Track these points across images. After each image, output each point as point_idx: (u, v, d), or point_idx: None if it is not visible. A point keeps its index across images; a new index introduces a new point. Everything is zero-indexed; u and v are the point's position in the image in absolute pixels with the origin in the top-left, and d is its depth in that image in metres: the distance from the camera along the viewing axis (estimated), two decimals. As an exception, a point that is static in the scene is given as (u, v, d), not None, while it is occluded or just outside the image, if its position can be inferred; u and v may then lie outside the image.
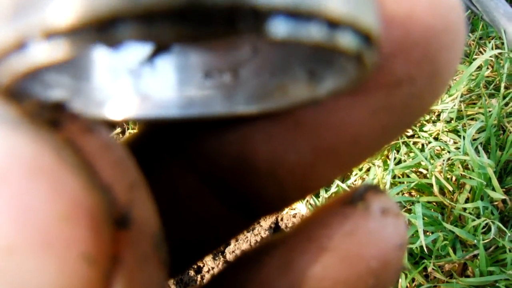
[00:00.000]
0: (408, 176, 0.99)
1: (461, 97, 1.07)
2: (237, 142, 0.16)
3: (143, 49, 0.14)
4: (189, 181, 0.17)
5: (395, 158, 1.01)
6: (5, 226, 0.09)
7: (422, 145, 1.04)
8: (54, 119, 0.09)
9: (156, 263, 0.11)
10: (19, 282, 0.09)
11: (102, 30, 0.08)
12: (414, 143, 1.04)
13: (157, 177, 0.16)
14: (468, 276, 0.89)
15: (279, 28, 0.08)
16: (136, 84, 0.15)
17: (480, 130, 1.02)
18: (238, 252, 0.89)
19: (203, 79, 0.15)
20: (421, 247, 0.85)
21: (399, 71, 0.14)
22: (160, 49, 0.15)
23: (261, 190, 0.17)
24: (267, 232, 0.92)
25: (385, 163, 1.00)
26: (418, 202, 0.91)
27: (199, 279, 0.88)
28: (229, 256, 0.89)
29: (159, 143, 0.17)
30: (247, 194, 0.17)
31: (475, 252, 0.87)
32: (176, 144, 0.17)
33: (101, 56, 0.14)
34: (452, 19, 0.13)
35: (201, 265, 0.89)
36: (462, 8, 0.14)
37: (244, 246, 0.89)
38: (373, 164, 1.00)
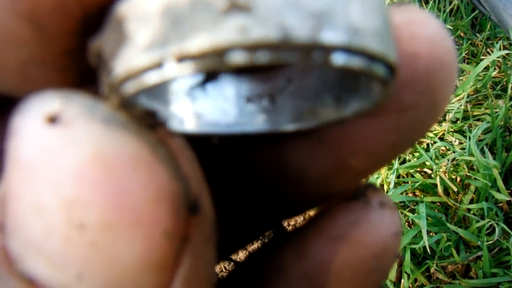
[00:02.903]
0: (412, 176, 1.02)
1: (467, 97, 1.10)
2: (273, 155, 0.20)
3: (196, 77, 0.19)
4: (226, 186, 0.21)
5: (399, 158, 1.03)
6: (106, 206, 0.11)
7: (427, 145, 1.07)
8: (151, 123, 0.12)
9: (213, 246, 0.14)
10: (113, 253, 0.11)
11: (220, 56, 0.11)
12: (419, 142, 1.06)
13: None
14: (471, 278, 0.91)
15: (339, 59, 0.12)
16: (193, 105, 0.19)
17: (486, 131, 1.05)
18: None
19: (245, 103, 0.19)
20: (424, 247, 0.88)
21: (405, 100, 0.17)
22: (210, 78, 0.19)
23: (288, 196, 0.20)
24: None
25: (390, 163, 1.04)
26: (422, 202, 0.94)
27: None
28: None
29: (207, 151, 0.21)
30: (275, 199, 0.20)
31: (479, 253, 0.90)
32: (219, 154, 0.21)
33: (168, 83, 0.18)
34: (447, 60, 0.17)
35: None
36: (455, 50, 0.18)
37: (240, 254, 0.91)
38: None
